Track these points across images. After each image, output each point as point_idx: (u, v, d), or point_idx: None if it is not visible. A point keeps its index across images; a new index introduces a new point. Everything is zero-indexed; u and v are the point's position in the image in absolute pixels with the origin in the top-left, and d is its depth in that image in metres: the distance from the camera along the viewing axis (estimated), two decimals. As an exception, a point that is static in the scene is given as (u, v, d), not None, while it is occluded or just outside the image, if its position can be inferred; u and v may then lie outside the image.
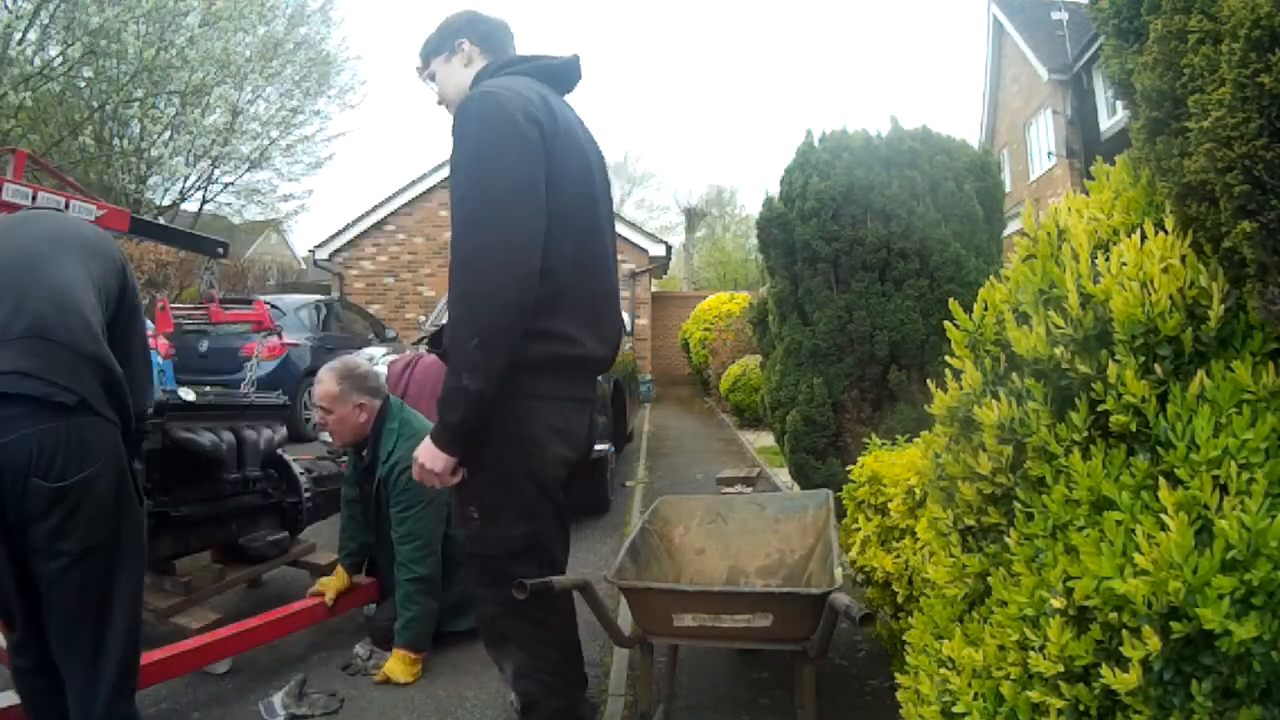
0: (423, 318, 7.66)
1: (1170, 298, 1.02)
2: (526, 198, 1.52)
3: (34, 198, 2.28)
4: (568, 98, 1.84)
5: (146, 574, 2.67)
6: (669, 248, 13.49)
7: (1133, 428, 1.02)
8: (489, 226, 1.50)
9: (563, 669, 1.78)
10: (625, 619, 2.56)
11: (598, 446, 4.16)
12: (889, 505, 2.13)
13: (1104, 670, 0.91)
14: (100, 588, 1.51)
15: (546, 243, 1.55)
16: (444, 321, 4.46)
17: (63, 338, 1.41)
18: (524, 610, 1.62)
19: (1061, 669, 0.98)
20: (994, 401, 1.18)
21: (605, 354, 1.77)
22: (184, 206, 13.52)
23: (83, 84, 10.46)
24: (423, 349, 4.97)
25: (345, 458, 4.01)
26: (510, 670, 1.78)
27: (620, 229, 11.96)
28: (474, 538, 1.69)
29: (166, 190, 12.77)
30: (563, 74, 1.81)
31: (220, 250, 3.21)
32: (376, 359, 4.74)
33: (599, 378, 1.89)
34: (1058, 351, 1.10)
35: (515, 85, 1.63)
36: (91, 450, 1.44)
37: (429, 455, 1.59)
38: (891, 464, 2.24)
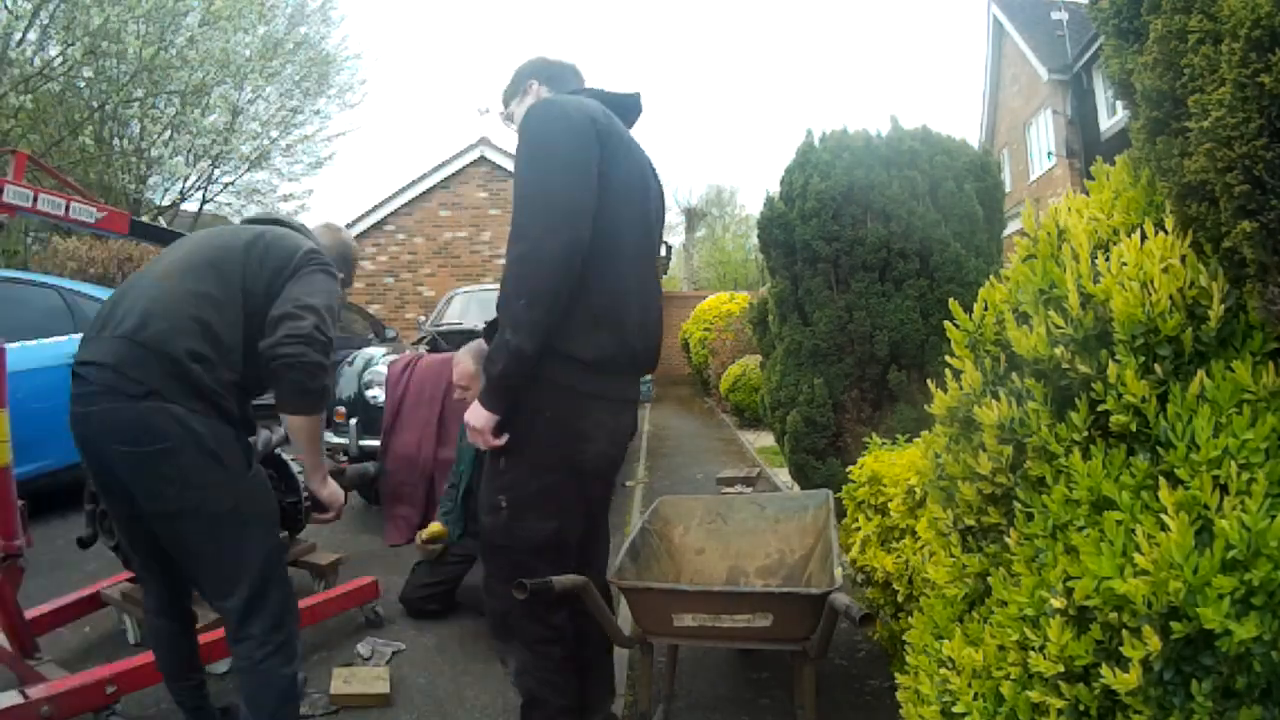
0: (422, 318, 7.67)
1: (1170, 298, 1.02)
2: (575, 172, 1.61)
3: (34, 199, 2.28)
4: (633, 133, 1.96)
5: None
6: (669, 248, 13.51)
7: (1133, 428, 1.02)
8: (540, 197, 1.60)
9: (566, 668, 1.80)
10: (625, 619, 2.56)
11: None
12: (889, 505, 2.13)
13: (1104, 670, 0.91)
14: (212, 547, 1.70)
15: (600, 252, 1.63)
16: (444, 322, 4.53)
17: (144, 339, 1.64)
18: (532, 607, 1.65)
19: (1061, 669, 0.98)
20: (994, 401, 1.18)
21: (650, 358, 1.86)
22: (184, 206, 13.50)
23: (83, 84, 10.45)
24: (423, 349, 5.07)
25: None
26: (514, 666, 1.80)
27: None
28: (501, 529, 1.72)
29: (166, 190, 12.76)
30: (626, 105, 1.92)
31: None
32: (376, 359, 4.74)
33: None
34: (1058, 351, 1.10)
35: (577, 98, 1.75)
36: (158, 430, 1.61)
37: (474, 414, 1.65)
38: (891, 464, 2.24)
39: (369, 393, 4.51)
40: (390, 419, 4.22)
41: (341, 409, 4.54)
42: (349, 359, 4.86)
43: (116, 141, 11.50)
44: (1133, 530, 0.92)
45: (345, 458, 4.26)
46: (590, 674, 1.95)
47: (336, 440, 4.48)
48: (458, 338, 4.92)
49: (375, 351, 4.93)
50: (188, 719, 2.02)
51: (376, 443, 4.24)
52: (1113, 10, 1.17)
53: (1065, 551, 1.03)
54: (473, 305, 6.51)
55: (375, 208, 12.46)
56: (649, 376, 11.14)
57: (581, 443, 1.69)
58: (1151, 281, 1.03)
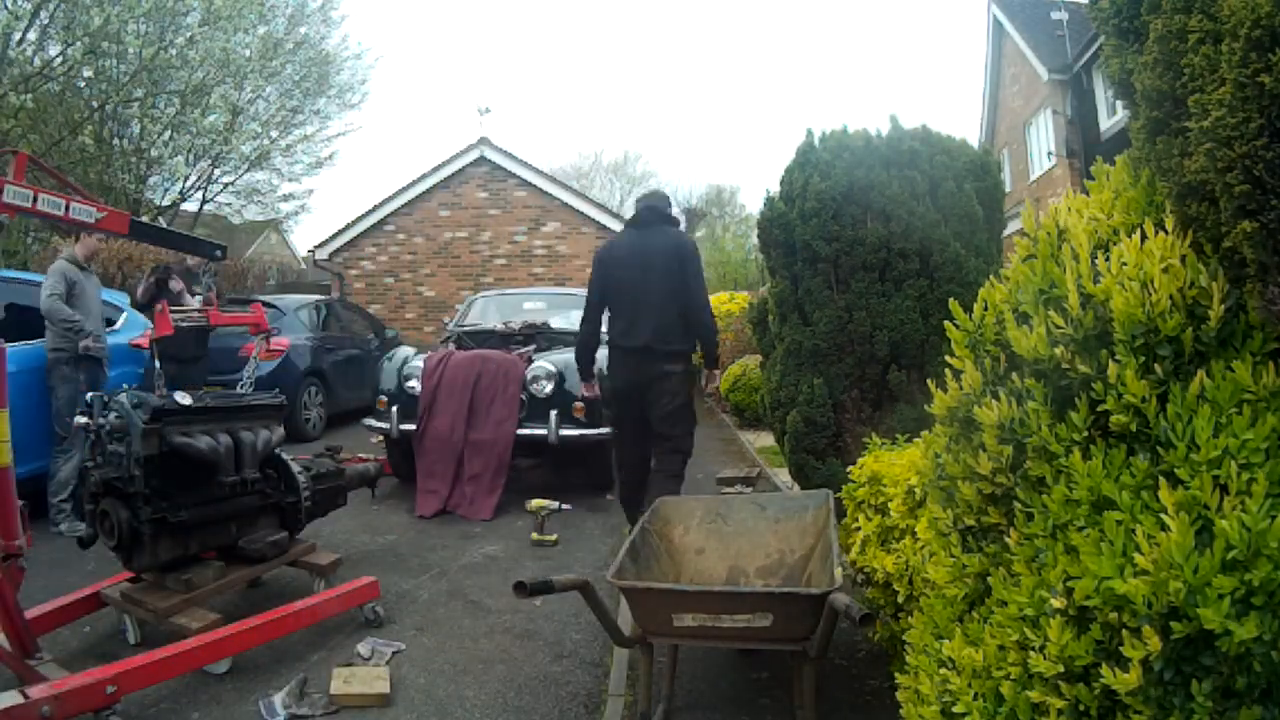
0: (447, 319, 8.23)
1: (1170, 298, 1.02)
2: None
3: (34, 199, 2.28)
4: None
5: (147, 574, 2.70)
6: (669, 248, 13.47)
7: (1133, 428, 1.02)
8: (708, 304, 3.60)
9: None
10: (625, 619, 2.56)
11: (600, 430, 4.76)
12: (889, 505, 2.13)
13: (1104, 670, 0.91)
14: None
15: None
16: (467, 323, 5.99)
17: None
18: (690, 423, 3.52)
19: (1061, 669, 0.98)
20: (994, 401, 1.18)
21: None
22: (184, 206, 13.49)
23: (83, 84, 10.45)
24: (451, 346, 5.67)
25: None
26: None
27: (620, 229, 12.10)
28: (684, 447, 3.48)
29: (166, 190, 12.72)
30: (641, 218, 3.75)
31: (218, 254, 3.20)
32: (412, 356, 5.26)
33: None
34: (1058, 351, 1.10)
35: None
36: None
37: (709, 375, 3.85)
38: (891, 464, 2.24)
39: (407, 384, 5.06)
40: (425, 406, 4.84)
41: (383, 398, 5.13)
42: (388, 355, 5.48)
43: (116, 141, 11.49)
44: (1133, 530, 0.92)
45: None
46: None
47: (379, 425, 5.05)
48: (480, 336, 5.84)
49: (410, 349, 5.54)
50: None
51: (413, 427, 4.82)
52: (1113, 10, 1.17)
53: (1065, 551, 1.03)
54: (491, 308, 6.84)
55: (375, 208, 12.46)
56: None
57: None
58: (1151, 281, 1.03)
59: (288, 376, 6.99)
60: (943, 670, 1.24)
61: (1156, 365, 1.01)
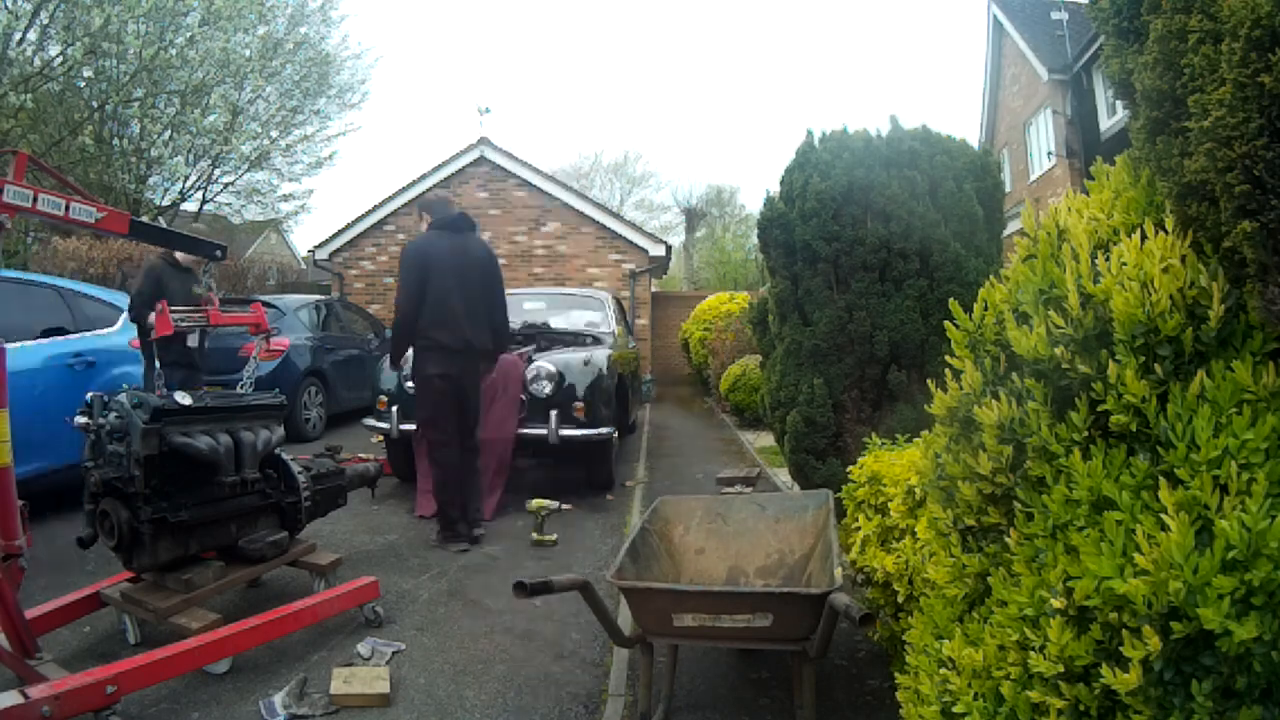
0: None
1: (1170, 298, 1.02)
2: (409, 294, 3.93)
3: (34, 199, 2.27)
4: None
5: (147, 574, 2.70)
6: (669, 248, 13.49)
7: (1133, 428, 1.02)
8: (401, 302, 3.97)
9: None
10: (625, 619, 2.56)
11: (602, 430, 4.80)
12: (889, 505, 2.13)
13: (1104, 670, 0.91)
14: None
15: (423, 304, 3.94)
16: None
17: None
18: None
19: (1061, 669, 0.98)
20: (994, 401, 1.18)
21: (454, 344, 3.96)
22: (184, 206, 13.48)
23: (83, 84, 10.45)
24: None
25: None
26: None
27: (620, 228, 12.21)
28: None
29: (166, 190, 12.72)
30: (456, 224, 4.19)
31: (218, 253, 3.19)
32: (411, 358, 5.21)
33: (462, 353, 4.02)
34: (1058, 351, 1.10)
35: (423, 239, 4.07)
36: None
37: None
38: (891, 464, 2.24)
39: (407, 384, 5.05)
40: None
41: (383, 398, 5.16)
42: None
43: (116, 141, 11.49)
44: (1133, 530, 0.92)
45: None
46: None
47: (379, 425, 5.07)
48: None
49: (410, 349, 5.49)
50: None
51: (413, 427, 4.80)
52: (1113, 10, 1.17)
53: (1065, 551, 1.03)
54: None
55: (375, 208, 12.46)
56: (649, 376, 11.29)
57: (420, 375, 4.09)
58: (1151, 281, 1.03)
59: (288, 376, 7.00)
60: (943, 670, 1.24)
61: (1156, 365, 1.01)
